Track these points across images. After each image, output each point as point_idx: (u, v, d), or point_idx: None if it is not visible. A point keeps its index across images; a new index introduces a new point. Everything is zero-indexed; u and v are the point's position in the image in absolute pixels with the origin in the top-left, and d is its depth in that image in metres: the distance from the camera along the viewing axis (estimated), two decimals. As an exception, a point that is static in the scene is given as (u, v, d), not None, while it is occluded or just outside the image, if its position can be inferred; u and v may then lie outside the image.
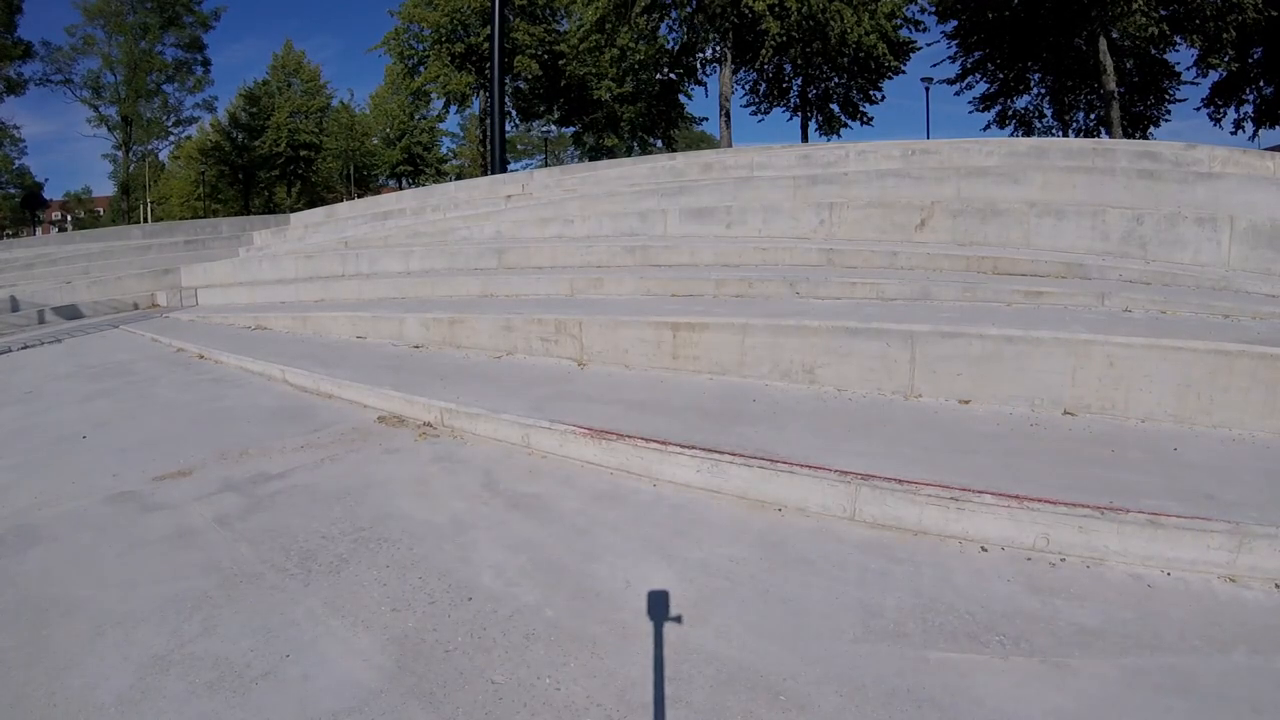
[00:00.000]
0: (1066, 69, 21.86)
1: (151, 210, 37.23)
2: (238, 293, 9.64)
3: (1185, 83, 21.48)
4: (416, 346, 5.65)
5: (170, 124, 34.00)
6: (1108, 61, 18.46)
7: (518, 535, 2.60)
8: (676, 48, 23.28)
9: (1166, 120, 22.88)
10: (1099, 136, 21.72)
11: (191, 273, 11.15)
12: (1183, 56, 21.44)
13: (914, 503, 2.49)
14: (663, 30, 22.30)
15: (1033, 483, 2.49)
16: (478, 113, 30.31)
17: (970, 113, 27.84)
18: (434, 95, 28.19)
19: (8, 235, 41.22)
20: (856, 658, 1.84)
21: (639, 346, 4.42)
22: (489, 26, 18.30)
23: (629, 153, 27.65)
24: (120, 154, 33.70)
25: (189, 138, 37.00)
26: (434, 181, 34.81)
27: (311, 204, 33.83)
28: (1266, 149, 9.21)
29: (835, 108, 24.87)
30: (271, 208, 38.42)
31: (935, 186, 6.67)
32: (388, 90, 37.00)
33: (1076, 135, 23.19)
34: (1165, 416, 3.12)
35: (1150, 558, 2.21)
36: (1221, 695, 1.66)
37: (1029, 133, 23.87)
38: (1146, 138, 21.47)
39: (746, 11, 19.40)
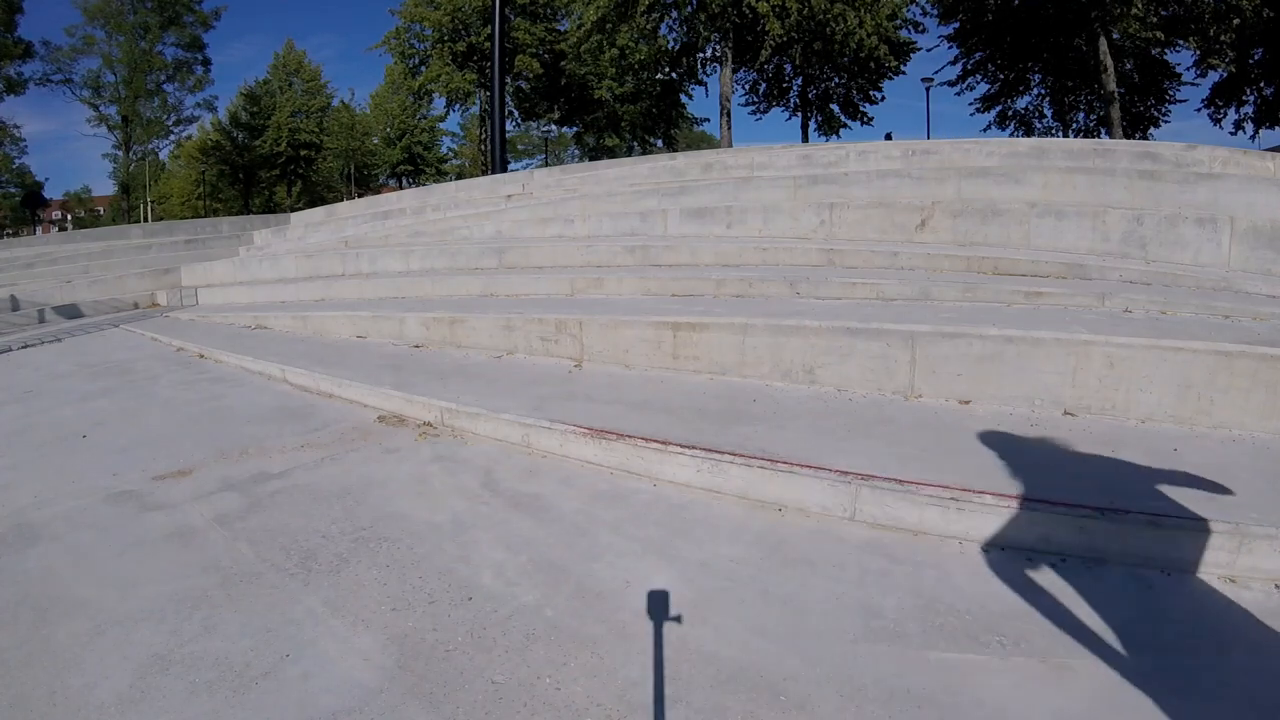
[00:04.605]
0: (1067, 70, 21.88)
1: (152, 209, 37.22)
2: (238, 292, 9.64)
3: (1185, 84, 21.55)
4: (417, 346, 5.65)
5: (170, 123, 34.02)
6: (1108, 62, 18.47)
7: (518, 535, 2.60)
8: (677, 48, 23.29)
9: (1167, 121, 22.94)
10: (1099, 137, 21.74)
11: (192, 272, 11.15)
12: (1183, 57, 21.50)
13: (914, 503, 2.49)
14: (663, 30, 22.32)
15: (1033, 483, 2.49)
16: (479, 112, 30.30)
17: (971, 114, 27.85)
18: (435, 94, 28.18)
19: (8, 234, 41.20)
20: (856, 658, 1.84)
21: (639, 346, 4.42)
22: (490, 25, 18.30)
23: (629, 152, 27.66)
24: (120, 153, 33.71)
25: (189, 137, 37.03)
26: (434, 181, 34.83)
27: (312, 203, 33.84)
28: (1266, 149, 9.21)
29: (835, 108, 24.90)
30: (272, 207, 38.43)
31: (936, 187, 6.67)
32: (388, 89, 37.04)
33: (1076, 136, 23.22)
34: (1165, 417, 3.12)
35: (1150, 558, 2.21)
36: (1221, 696, 1.66)
37: (1029, 133, 23.91)
38: (1147, 138, 21.48)
39: (747, 11, 19.41)
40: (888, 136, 22.52)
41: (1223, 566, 2.15)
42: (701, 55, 23.98)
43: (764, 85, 25.19)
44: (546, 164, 39.56)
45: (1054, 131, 24.01)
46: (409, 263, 8.34)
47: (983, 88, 23.89)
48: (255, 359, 5.62)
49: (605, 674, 1.80)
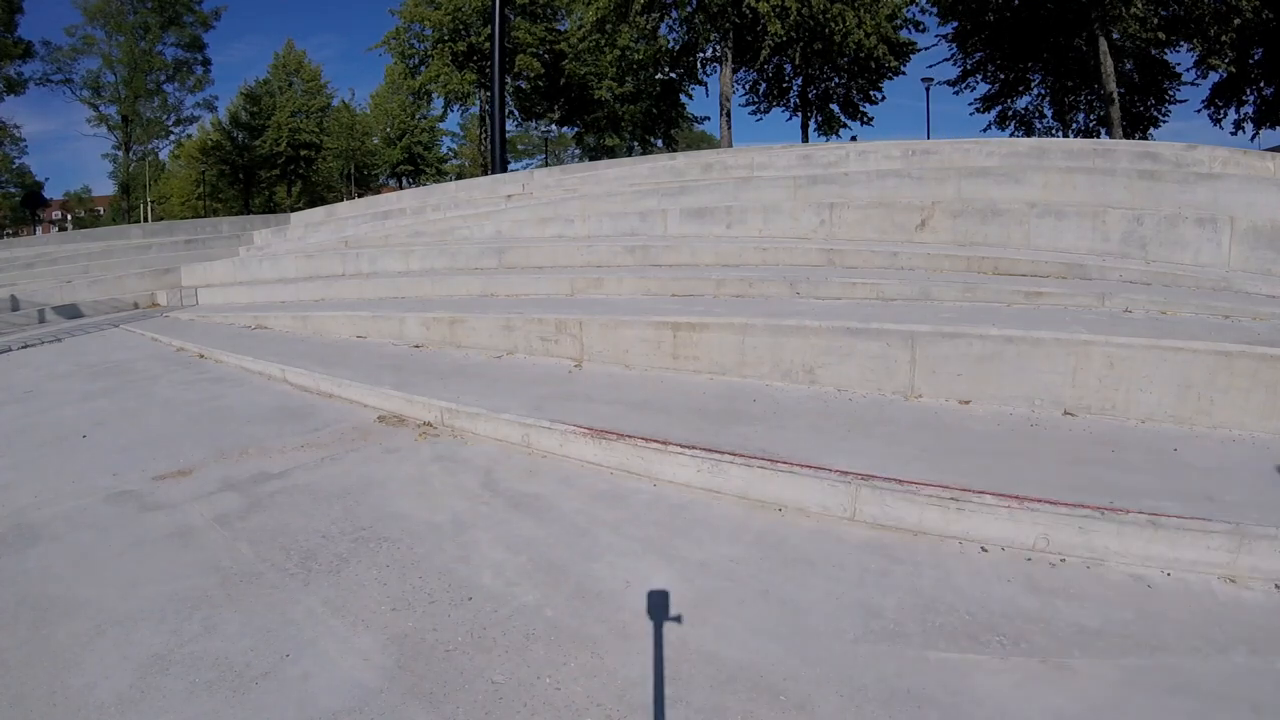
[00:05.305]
0: (1067, 70, 21.87)
1: (152, 210, 37.19)
2: (238, 292, 9.64)
3: (1185, 84, 21.51)
4: (417, 346, 5.65)
5: (170, 123, 33.89)
6: (1108, 62, 18.45)
7: (518, 535, 2.60)
8: (677, 48, 23.27)
9: (1166, 121, 22.91)
10: (1099, 137, 21.74)
11: (192, 272, 11.15)
12: (1183, 57, 21.49)
13: (914, 503, 2.49)
14: (663, 30, 22.30)
15: (1033, 483, 2.49)
16: (478, 113, 30.28)
17: (971, 114, 27.86)
18: (435, 94, 28.16)
19: (8, 234, 41.19)
20: (856, 658, 1.84)
21: (639, 346, 4.42)
22: (490, 25, 18.30)
23: (630, 152, 27.64)
24: (120, 153, 33.65)
25: (189, 137, 36.95)
26: (434, 181, 34.81)
27: (312, 203, 33.82)
28: (1266, 150, 9.21)
29: (835, 108, 24.88)
30: (272, 207, 38.41)
31: (936, 187, 6.67)
32: (388, 90, 36.99)
33: (1077, 136, 23.20)
34: (1165, 417, 3.12)
35: (1150, 558, 2.21)
36: (1221, 695, 1.66)
37: (1029, 133, 23.88)
38: (1146, 138, 21.47)
39: (747, 11, 19.41)
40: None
41: (1223, 567, 2.15)
42: (701, 55, 23.97)
43: (764, 85, 25.18)
44: (546, 164, 39.57)
45: (1054, 131, 23.99)
46: (409, 263, 8.34)
47: (983, 88, 23.89)
48: (255, 359, 5.62)
49: (605, 674, 1.80)
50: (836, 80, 24.28)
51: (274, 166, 37.88)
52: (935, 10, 21.51)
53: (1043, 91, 23.74)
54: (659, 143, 28.76)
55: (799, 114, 25.12)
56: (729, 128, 21.67)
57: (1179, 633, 1.90)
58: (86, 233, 16.26)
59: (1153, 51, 19.80)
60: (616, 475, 3.13)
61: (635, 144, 28.38)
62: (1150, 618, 1.97)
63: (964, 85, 23.66)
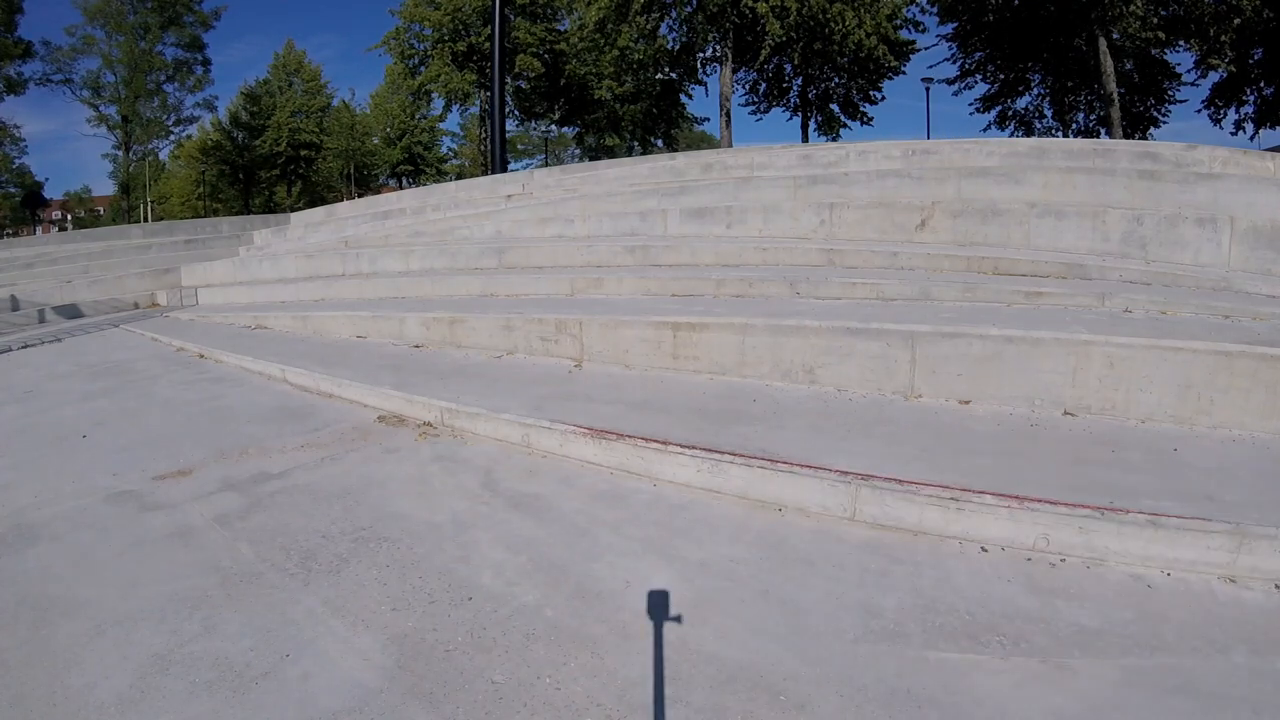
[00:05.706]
0: (1066, 70, 21.87)
1: (152, 209, 37.17)
2: (238, 292, 9.64)
3: (1185, 84, 21.51)
4: (417, 346, 5.65)
5: (170, 123, 33.92)
6: (1108, 62, 18.45)
7: (518, 535, 2.60)
8: (677, 47, 23.27)
9: (1166, 121, 22.91)
10: (1099, 137, 21.73)
11: (192, 272, 11.15)
12: (1183, 58, 21.49)
13: (914, 503, 2.49)
14: (663, 30, 22.29)
15: (1033, 483, 2.49)
16: (478, 112, 30.29)
17: (971, 114, 27.87)
18: (435, 94, 28.16)
19: (8, 234, 41.18)
20: (856, 658, 1.84)
21: (639, 346, 4.42)
22: (490, 25, 18.30)
23: (630, 152, 27.65)
24: (120, 153, 33.66)
25: (189, 137, 36.96)
26: (434, 181, 34.81)
27: (312, 203, 33.83)
28: (1266, 149, 9.21)
29: (835, 108, 24.89)
30: (272, 207, 38.41)
31: (936, 187, 6.67)
32: (388, 90, 37.00)
33: (1076, 136, 23.19)
34: (1165, 417, 3.12)
35: (1150, 558, 2.21)
36: (1221, 696, 1.66)
37: (1029, 133, 23.88)
38: (1146, 138, 21.46)
39: (747, 11, 19.41)
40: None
41: (1223, 567, 2.15)
42: (701, 55, 23.96)
43: (764, 85, 25.18)
44: (546, 164, 39.58)
45: (1054, 131, 23.99)
46: (409, 263, 8.34)
47: (982, 88, 23.90)
48: (255, 359, 5.62)
49: (605, 674, 1.80)
50: (836, 80, 24.28)
51: (274, 166, 37.88)
52: (935, 10, 21.51)
53: (1043, 91, 23.75)
54: (659, 143, 28.77)
55: (799, 114, 25.13)
56: (729, 128, 21.68)
57: (1179, 633, 1.90)
58: (86, 233, 16.26)
59: (1153, 51, 19.80)
60: (616, 475, 3.13)
61: (635, 144, 28.39)
62: (1150, 618, 1.97)
63: (964, 85, 23.67)
